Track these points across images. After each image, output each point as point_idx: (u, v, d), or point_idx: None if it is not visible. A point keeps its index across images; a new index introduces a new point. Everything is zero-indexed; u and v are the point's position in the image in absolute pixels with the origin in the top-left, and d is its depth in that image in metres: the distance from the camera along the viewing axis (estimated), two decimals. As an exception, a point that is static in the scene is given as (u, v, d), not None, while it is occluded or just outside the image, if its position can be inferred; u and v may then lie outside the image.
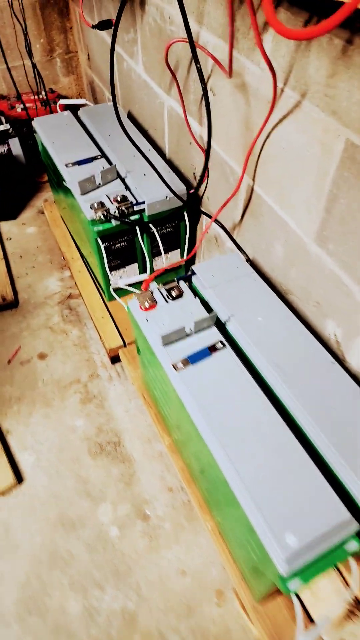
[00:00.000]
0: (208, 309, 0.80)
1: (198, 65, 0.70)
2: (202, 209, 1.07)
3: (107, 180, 1.03)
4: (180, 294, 0.81)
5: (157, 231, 1.07)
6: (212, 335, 0.74)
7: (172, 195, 1.00)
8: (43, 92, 1.72)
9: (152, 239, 1.09)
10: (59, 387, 1.10)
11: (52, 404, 1.07)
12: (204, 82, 0.72)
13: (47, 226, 1.52)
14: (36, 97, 1.72)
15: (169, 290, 0.81)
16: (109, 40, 1.34)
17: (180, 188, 1.02)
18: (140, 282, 1.17)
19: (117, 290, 1.16)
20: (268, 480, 0.58)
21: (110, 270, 1.10)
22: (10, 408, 1.07)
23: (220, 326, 0.77)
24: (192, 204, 1.07)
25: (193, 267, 0.85)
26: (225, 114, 0.84)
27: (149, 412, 1.00)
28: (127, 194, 1.02)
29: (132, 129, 1.21)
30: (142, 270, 1.16)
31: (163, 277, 1.18)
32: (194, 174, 1.08)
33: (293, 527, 0.55)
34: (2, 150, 1.53)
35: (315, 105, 0.61)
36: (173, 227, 1.10)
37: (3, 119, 1.53)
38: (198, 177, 1.06)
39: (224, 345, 0.73)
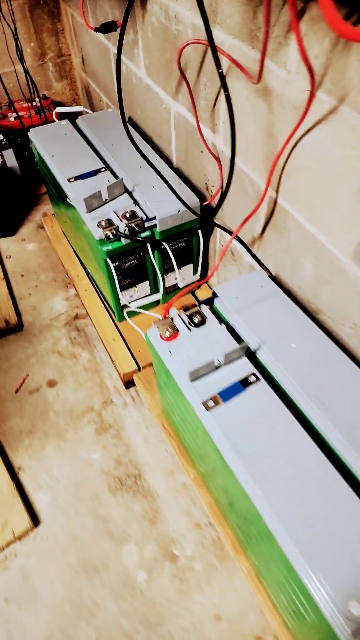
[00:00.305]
0: (235, 336, 0.73)
1: (220, 71, 0.63)
2: (216, 222, 1.00)
3: (114, 195, 0.96)
4: (203, 320, 0.74)
5: (169, 247, 1.00)
6: (244, 367, 0.68)
7: (185, 209, 0.94)
8: (37, 99, 1.64)
9: (163, 255, 1.02)
10: (71, 416, 1.03)
11: (65, 436, 1.01)
12: (226, 89, 0.65)
13: (48, 242, 1.45)
14: (29, 104, 1.64)
15: (190, 317, 0.74)
16: (107, 42, 1.26)
17: (193, 200, 0.95)
18: (154, 303, 1.12)
19: (126, 308, 1.10)
20: (313, 525, 0.52)
21: (121, 289, 1.03)
22: (21, 442, 1.00)
23: (251, 355, 0.71)
24: (206, 216, 1.00)
25: (215, 289, 0.78)
26: (243, 121, 0.77)
27: (170, 442, 0.93)
28: (136, 209, 0.95)
29: (135, 137, 1.14)
30: (153, 288, 1.09)
31: (174, 293, 1.12)
32: (206, 184, 1.02)
33: (354, 590, 0.49)
34: (-3, 163, 1.45)
35: (356, 112, 0.54)
36: (185, 241, 1.03)
37: (-4, 130, 1.45)
38: (211, 188, 1.00)
39: (257, 378, 0.66)
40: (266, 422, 0.62)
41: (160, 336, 0.72)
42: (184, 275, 1.11)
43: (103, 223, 0.91)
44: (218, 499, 0.82)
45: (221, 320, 0.76)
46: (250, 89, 0.72)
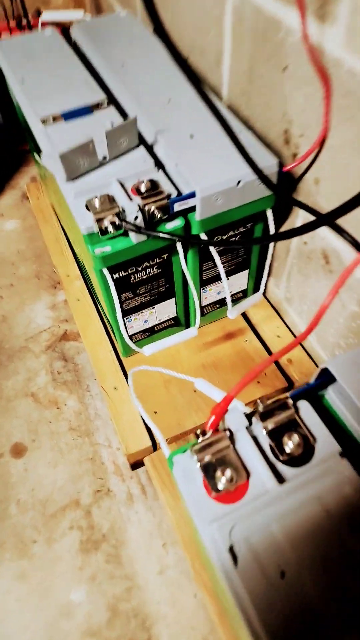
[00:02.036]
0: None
1: None
2: (301, 201, 0.56)
3: (119, 150, 0.53)
4: (309, 450, 0.32)
5: (217, 246, 0.57)
6: None
7: (252, 178, 0.50)
8: (24, 19, 1.17)
9: (203, 256, 0.60)
10: (44, 514, 0.65)
11: (30, 551, 0.63)
12: None
13: (34, 219, 1.03)
14: (14, 25, 1.17)
15: (277, 434, 0.33)
16: None
17: (267, 162, 0.51)
18: (179, 328, 0.69)
19: (135, 339, 0.69)
20: None
21: (126, 314, 0.62)
22: None
23: None
24: (283, 192, 0.56)
25: (327, 364, 0.36)
26: None
27: (202, 590, 0.55)
28: (160, 176, 0.52)
29: (161, 55, 0.68)
30: (182, 307, 0.67)
31: (214, 314, 0.69)
32: (285, 133, 0.56)
33: None
34: None
35: None
36: (243, 234, 0.60)
37: None
38: (297, 141, 0.54)
39: None
40: None
41: (206, 487, 0.32)
42: (233, 288, 0.69)
43: (96, 203, 0.48)
44: None
45: (349, 442, 0.34)
46: None
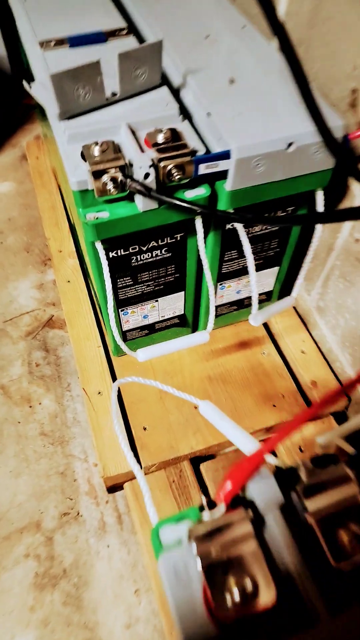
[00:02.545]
0: None
1: None
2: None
3: (134, 86, 0.40)
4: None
5: (248, 229, 0.44)
6: None
7: (308, 141, 0.37)
8: None
9: (226, 243, 0.47)
10: (-5, 536, 0.54)
11: (-24, 575, 0.52)
12: None
13: (32, 183, 0.91)
14: None
15: (331, 524, 0.21)
16: None
17: (330, 122, 0.38)
18: (185, 330, 0.56)
19: (130, 336, 0.57)
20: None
21: (121, 305, 0.50)
22: None
23: None
24: (348, 164, 0.43)
25: None
26: None
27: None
28: (185, 128, 0.39)
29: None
30: (192, 305, 0.55)
31: (230, 315, 0.57)
32: (354, 93, 0.43)
33: None
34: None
35: None
36: (282, 219, 0.47)
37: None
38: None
39: None
40: None
41: (209, 600, 0.20)
42: (262, 286, 0.56)
43: (96, 150, 0.35)
44: None
45: None
46: None
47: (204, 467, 0.51)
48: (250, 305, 0.59)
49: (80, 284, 0.68)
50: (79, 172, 0.36)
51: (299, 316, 0.63)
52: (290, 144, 0.37)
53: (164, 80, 0.42)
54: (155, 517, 0.25)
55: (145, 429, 0.53)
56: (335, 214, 0.36)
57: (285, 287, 0.59)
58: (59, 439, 0.60)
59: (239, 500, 0.22)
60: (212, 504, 0.22)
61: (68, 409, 0.63)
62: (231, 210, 0.40)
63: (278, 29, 0.28)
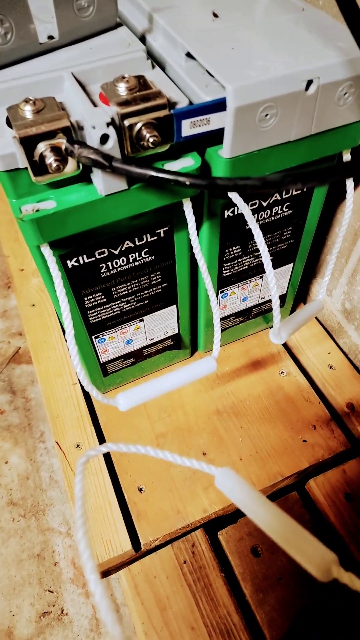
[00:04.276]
0: None
1: None
2: None
3: (79, 24, 0.28)
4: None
5: (258, 212, 0.33)
6: None
7: (337, 77, 0.26)
8: None
9: (226, 236, 0.35)
10: None
11: None
12: None
13: (-11, 196, 0.79)
14: None
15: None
16: None
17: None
18: (182, 353, 0.43)
19: (112, 368, 0.44)
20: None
21: (94, 331, 0.38)
22: None
23: None
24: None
25: None
26: None
27: None
28: (156, 75, 0.28)
29: None
30: (188, 322, 0.43)
31: (237, 329, 0.46)
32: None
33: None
34: None
35: None
36: (296, 200, 0.36)
37: None
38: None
39: None
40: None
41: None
42: (265, 292, 0.45)
43: (27, 110, 0.23)
44: None
45: None
46: None
47: (223, 536, 0.38)
48: (259, 314, 0.47)
49: (47, 307, 0.55)
50: (3, 144, 0.24)
51: (320, 323, 0.51)
52: (310, 83, 0.26)
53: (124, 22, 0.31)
54: None
55: (141, 490, 0.40)
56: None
57: (302, 289, 0.48)
58: (32, 508, 0.47)
59: None
60: None
61: (42, 466, 0.49)
62: (230, 175, 0.28)
63: None
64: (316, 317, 0.51)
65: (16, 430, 0.52)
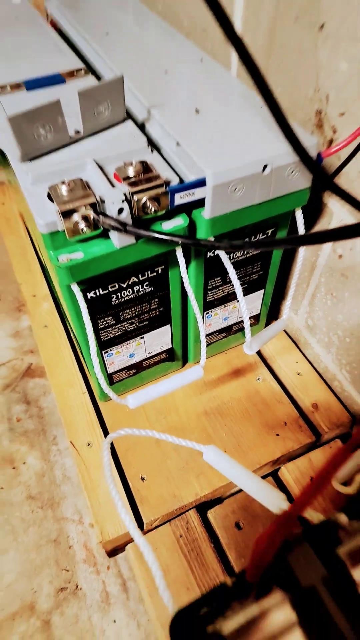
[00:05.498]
0: None
1: None
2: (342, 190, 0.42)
3: (98, 123, 0.38)
4: None
5: (230, 255, 0.43)
6: None
7: (283, 162, 0.36)
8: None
9: (209, 271, 0.45)
10: (-17, 628, 0.47)
11: None
12: None
13: (-1, 228, 0.88)
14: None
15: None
16: None
17: (306, 140, 0.38)
18: (175, 364, 0.52)
19: (117, 378, 0.53)
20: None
21: (105, 347, 0.46)
22: None
23: None
24: (326, 182, 0.43)
25: None
26: None
27: None
28: (155, 159, 0.38)
29: (154, 23, 0.56)
30: (179, 338, 0.52)
31: (220, 344, 0.54)
32: (318, 114, 0.44)
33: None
34: None
35: None
36: (267, 240, 0.46)
37: None
38: (331, 121, 0.42)
39: None
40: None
41: None
42: (248, 311, 0.54)
43: (63, 189, 0.33)
44: None
45: None
46: None
47: (212, 514, 0.47)
48: (238, 330, 0.57)
49: (57, 327, 0.64)
50: (46, 213, 0.33)
51: (289, 337, 0.61)
52: (265, 167, 0.36)
53: (128, 117, 0.42)
54: (171, 602, 0.21)
55: (143, 479, 0.49)
56: (325, 234, 0.35)
57: (271, 309, 0.58)
58: (48, 501, 0.54)
59: (269, 576, 0.19)
60: (240, 581, 0.19)
61: (56, 465, 0.57)
62: (212, 239, 0.38)
63: (236, 41, 0.27)
64: (286, 332, 0.61)
65: (32, 435, 0.60)
